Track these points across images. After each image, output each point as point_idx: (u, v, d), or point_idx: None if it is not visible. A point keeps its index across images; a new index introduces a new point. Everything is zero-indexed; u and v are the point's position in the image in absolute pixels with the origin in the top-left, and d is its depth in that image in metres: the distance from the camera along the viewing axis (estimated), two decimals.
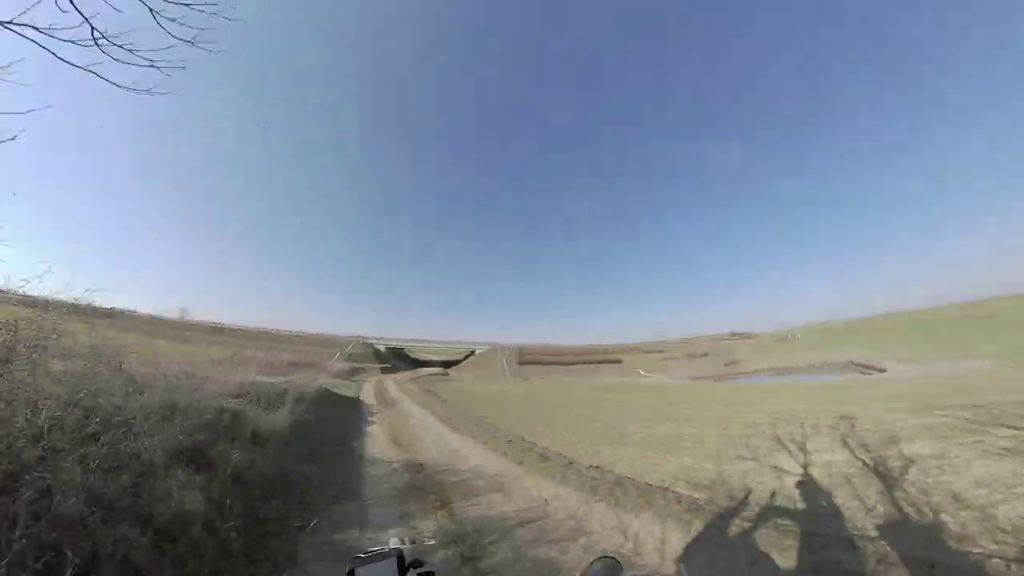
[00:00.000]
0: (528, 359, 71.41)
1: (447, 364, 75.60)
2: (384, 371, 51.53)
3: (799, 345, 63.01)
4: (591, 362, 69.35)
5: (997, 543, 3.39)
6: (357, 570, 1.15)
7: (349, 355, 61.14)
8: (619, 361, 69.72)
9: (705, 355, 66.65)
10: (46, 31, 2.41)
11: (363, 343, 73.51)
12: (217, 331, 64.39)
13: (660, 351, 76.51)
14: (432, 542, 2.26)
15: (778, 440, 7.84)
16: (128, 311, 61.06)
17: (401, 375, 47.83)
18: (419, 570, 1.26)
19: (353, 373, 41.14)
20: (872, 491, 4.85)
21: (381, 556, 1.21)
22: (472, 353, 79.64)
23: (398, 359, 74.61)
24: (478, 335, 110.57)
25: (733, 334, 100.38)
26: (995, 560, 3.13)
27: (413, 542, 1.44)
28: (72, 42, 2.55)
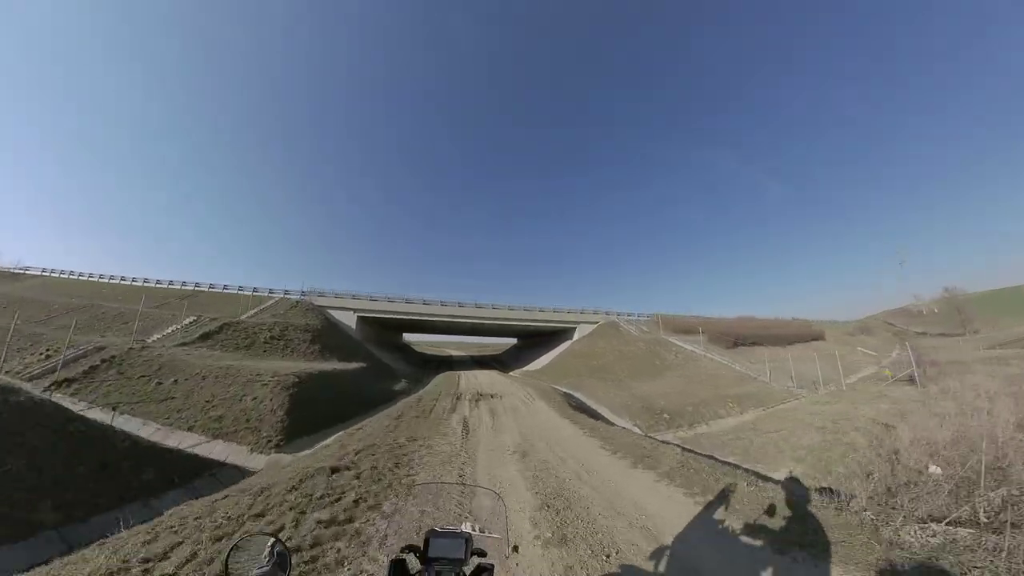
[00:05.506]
0: (744, 338, 42.97)
1: (482, 362, 50.19)
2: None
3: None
4: (800, 340, 47.86)
5: None
6: (432, 540, 1.44)
7: (204, 335, 22.23)
8: (821, 338, 50.19)
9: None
10: None
11: (300, 307, 35.22)
12: None
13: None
14: (496, 536, 1.95)
15: None
16: None
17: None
18: (480, 560, 1.50)
19: None
20: None
21: (454, 535, 1.47)
22: (542, 338, 49.51)
23: (391, 348, 43.94)
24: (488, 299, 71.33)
25: (796, 320, 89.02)
26: None
27: (483, 531, 1.69)
28: None
